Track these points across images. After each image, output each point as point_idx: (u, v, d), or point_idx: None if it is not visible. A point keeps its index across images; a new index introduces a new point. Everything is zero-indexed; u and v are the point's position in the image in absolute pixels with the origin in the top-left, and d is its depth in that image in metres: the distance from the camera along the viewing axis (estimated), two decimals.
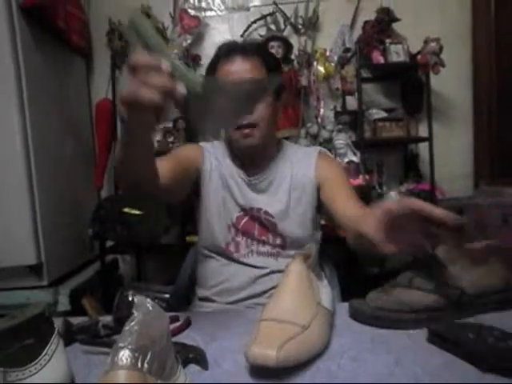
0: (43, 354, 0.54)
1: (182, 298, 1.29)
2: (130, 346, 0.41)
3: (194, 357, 0.64)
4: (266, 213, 1.12)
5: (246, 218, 1.13)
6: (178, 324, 0.78)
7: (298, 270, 0.69)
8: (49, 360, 0.54)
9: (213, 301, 1.14)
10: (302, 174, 1.14)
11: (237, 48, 1.10)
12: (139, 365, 0.41)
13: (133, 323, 0.45)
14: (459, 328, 0.64)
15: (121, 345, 0.42)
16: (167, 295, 1.54)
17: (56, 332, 0.59)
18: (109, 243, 1.98)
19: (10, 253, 1.56)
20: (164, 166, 0.99)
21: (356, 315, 0.78)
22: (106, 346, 0.71)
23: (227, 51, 1.10)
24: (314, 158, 1.16)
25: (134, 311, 0.47)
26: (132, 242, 1.80)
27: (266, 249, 1.13)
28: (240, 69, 1.06)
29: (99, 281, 1.96)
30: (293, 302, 0.67)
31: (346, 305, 0.82)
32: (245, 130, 1.06)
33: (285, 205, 1.12)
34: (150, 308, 0.50)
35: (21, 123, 1.59)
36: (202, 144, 1.23)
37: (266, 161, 1.16)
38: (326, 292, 0.77)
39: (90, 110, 2.30)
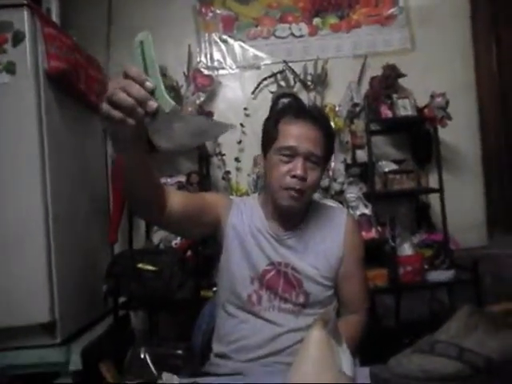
0: None
1: (197, 355, 1.27)
2: None
3: None
4: (294, 269, 1.14)
5: (272, 272, 1.14)
6: None
7: (318, 338, 0.69)
8: None
9: (230, 358, 1.13)
10: (331, 239, 1.18)
11: (309, 114, 1.13)
12: None
13: None
14: None
15: None
16: (180, 351, 1.52)
17: None
18: (122, 299, 1.97)
19: (23, 311, 1.55)
20: (178, 199, 1.06)
21: (378, 382, 0.76)
22: None
23: (298, 112, 1.14)
24: (344, 223, 1.20)
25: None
26: (146, 298, 1.79)
27: (288, 306, 1.13)
28: (307, 136, 1.09)
29: (111, 337, 1.93)
30: (315, 372, 0.66)
31: (366, 370, 0.81)
32: (294, 193, 1.09)
33: (312, 264, 1.14)
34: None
35: (41, 182, 1.63)
36: (232, 198, 1.28)
37: (298, 219, 1.19)
38: (346, 357, 0.76)
39: (106, 167, 2.37)
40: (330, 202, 1.82)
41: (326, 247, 1.17)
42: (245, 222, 1.19)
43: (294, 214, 1.18)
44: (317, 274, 1.14)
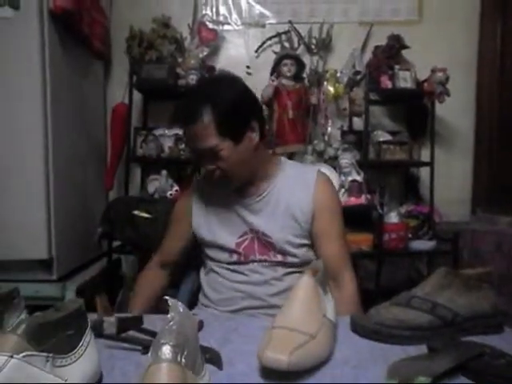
0: (80, 344, 0.60)
1: (187, 302, 1.34)
2: (170, 343, 0.48)
3: (211, 357, 0.70)
4: (264, 234, 1.16)
5: (246, 242, 1.18)
6: None
7: (307, 284, 0.76)
8: (85, 350, 0.61)
9: (215, 308, 1.19)
10: (299, 198, 1.17)
11: (185, 113, 1.10)
12: (178, 359, 0.47)
13: (171, 323, 0.51)
14: (456, 345, 0.70)
15: (163, 341, 0.48)
16: (168, 297, 1.60)
17: (89, 325, 0.66)
18: (115, 243, 2.03)
19: (22, 246, 1.62)
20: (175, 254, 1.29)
21: (357, 329, 0.84)
22: (126, 342, 0.77)
23: (179, 118, 1.14)
24: (313, 180, 1.18)
25: (171, 312, 0.54)
26: (139, 244, 1.85)
27: (267, 264, 1.17)
28: (192, 137, 1.10)
29: (104, 278, 2.02)
30: (302, 312, 0.74)
31: (347, 318, 0.89)
32: (219, 180, 1.13)
33: (281, 225, 1.16)
34: (182, 310, 0.57)
35: (43, 121, 1.65)
36: (193, 182, 1.34)
37: (261, 183, 1.20)
38: (330, 305, 0.84)
39: (105, 113, 2.37)
40: (324, 167, 1.87)
41: (294, 205, 1.16)
42: (208, 203, 1.23)
43: (247, 184, 1.19)
44: (287, 235, 1.16)
